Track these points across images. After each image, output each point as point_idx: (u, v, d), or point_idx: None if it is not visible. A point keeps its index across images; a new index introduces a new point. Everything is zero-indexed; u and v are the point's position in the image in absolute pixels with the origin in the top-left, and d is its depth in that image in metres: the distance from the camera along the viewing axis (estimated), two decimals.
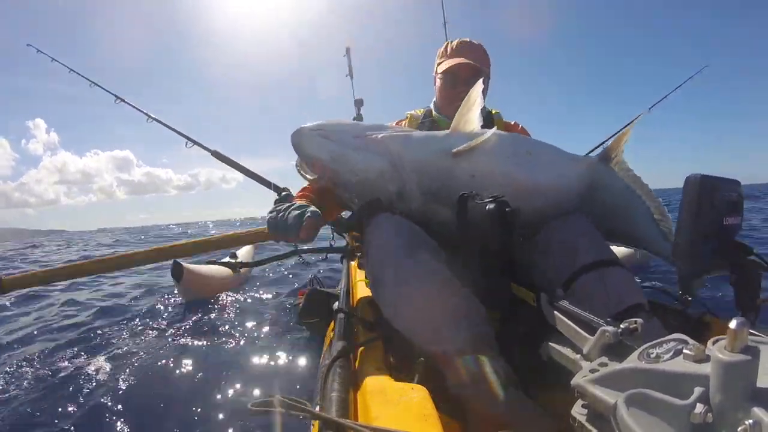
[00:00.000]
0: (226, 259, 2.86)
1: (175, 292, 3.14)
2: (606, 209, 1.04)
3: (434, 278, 0.78)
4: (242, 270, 3.02)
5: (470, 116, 1.00)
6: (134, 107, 2.32)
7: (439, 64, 1.36)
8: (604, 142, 3.03)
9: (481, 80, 1.06)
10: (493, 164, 0.94)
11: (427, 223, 0.89)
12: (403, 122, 1.42)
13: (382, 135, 0.99)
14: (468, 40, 1.38)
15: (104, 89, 2.41)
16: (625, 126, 1.03)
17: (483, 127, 1.08)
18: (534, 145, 1.06)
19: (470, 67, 1.29)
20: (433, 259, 0.81)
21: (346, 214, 1.36)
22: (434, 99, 1.42)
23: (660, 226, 1.07)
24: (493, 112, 1.39)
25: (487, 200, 0.75)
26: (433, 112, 1.39)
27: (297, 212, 0.89)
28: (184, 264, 2.57)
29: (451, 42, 1.38)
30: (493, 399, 0.67)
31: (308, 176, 1.07)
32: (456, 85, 1.30)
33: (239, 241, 1.20)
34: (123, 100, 2.35)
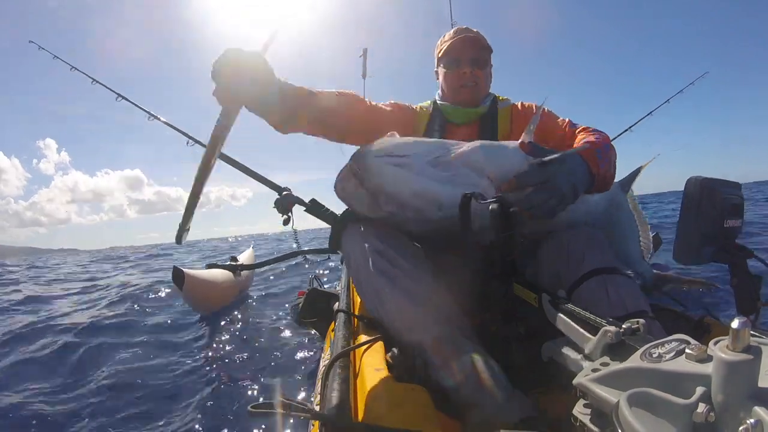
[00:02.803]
0: (227, 263, 2.80)
1: (177, 297, 3.10)
2: (616, 228, 1.31)
3: (408, 287, 0.84)
4: (243, 273, 2.96)
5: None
6: (135, 105, 2.30)
7: (439, 53, 1.29)
8: None
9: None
10: None
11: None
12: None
13: (461, 163, 0.87)
14: (466, 27, 1.30)
15: (105, 86, 2.40)
16: (638, 169, 1.57)
17: (487, 113, 1.24)
18: None
19: (473, 42, 1.22)
20: (408, 267, 0.86)
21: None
22: (438, 92, 1.35)
23: (641, 247, 1.46)
24: (501, 98, 1.31)
25: (490, 200, 0.75)
26: (437, 101, 1.32)
27: None
28: (185, 270, 2.52)
29: (448, 32, 1.31)
30: (466, 389, 0.71)
31: (366, 212, 0.90)
32: (460, 64, 1.23)
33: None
34: (124, 98, 2.34)
